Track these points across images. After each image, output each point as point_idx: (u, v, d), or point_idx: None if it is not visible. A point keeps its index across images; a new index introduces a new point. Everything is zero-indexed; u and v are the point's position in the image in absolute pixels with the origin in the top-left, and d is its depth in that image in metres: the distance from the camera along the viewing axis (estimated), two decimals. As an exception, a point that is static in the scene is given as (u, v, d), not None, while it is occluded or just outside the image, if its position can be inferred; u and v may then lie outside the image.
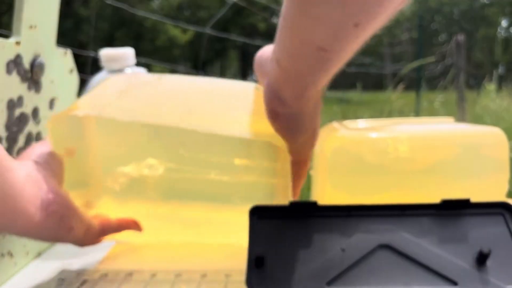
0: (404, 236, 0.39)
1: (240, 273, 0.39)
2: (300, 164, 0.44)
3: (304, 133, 0.41)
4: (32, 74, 0.51)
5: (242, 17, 10.49)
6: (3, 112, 0.47)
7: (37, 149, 0.43)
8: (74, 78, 0.62)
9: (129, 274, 0.45)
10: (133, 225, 0.49)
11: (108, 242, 0.51)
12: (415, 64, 5.01)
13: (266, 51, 0.43)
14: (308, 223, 0.41)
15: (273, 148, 0.42)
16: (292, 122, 0.39)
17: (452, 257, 0.38)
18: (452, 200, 0.41)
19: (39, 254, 0.55)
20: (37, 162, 0.41)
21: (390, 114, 4.43)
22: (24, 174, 0.38)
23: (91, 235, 0.45)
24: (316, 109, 0.41)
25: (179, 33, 9.39)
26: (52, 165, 0.42)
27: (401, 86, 5.17)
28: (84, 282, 0.44)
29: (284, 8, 0.34)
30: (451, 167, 0.51)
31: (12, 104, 0.48)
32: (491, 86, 4.67)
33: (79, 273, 0.47)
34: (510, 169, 0.52)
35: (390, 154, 0.51)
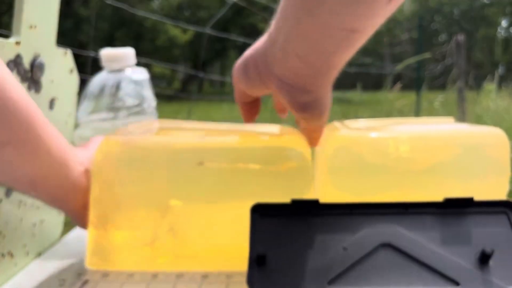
0: (406, 234, 0.39)
1: (242, 274, 0.39)
2: (318, 129, 0.45)
3: (327, 110, 0.42)
4: (32, 74, 0.51)
5: (242, 17, 10.49)
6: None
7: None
8: (74, 78, 0.62)
9: (130, 274, 0.45)
10: None
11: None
12: (411, 60, 5.01)
13: (256, 52, 0.42)
14: (310, 222, 0.41)
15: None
16: (319, 106, 0.41)
17: (455, 257, 0.38)
18: (455, 199, 0.41)
19: (39, 254, 0.55)
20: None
21: (390, 114, 4.43)
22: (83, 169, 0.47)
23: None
24: None
25: (179, 33, 9.39)
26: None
27: (398, 85, 5.16)
28: (85, 282, 0.44)
29: (294, 4, 0.34)
30: (452, 168, 0.51)
31: (12, 104, 0.48)
32: (491, 86, 4.67)
33: (80, 273, 0.46)
34: (511, 169, 0.52)
35: (391, 154, 0.50)
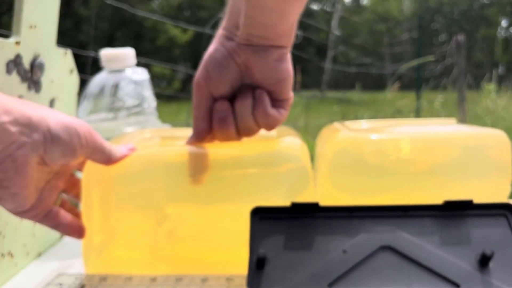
0: (406, 237, 0.39)
1: (242, 277, 0.39)
2: (290, 101, 0.48)
3: (291, 76, 0.47)
4: (32, 74, 0.51)
5: (242, 17, 10.42)
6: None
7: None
8: (74, 78, 0.62)
9: (129, 278, 0.45)
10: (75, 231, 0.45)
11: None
12: (414, 62, 5.02)
13: (216, 44, 0.46)
14: (309, 224, 0.41)
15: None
16: (288, 62, 0.46)
17: (455, 259, 0.38)
18: (455, 201, 0.41)
19: (39, 255, 0.55)
20: None
21: (390, 115, 4.43)
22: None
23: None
24: None
25: (179, 33, 9.38)
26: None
27: (396, 85, 5.16)
28: (82, 287, 0.44)
29: None
30: (453, 169, 0.51)
31: (12, 105, 0.48)
32: (491, 86, 4.67)
33: (77, 277, 0.46)
34: (512, 170, 0.52)
35: (391, 156, 0.50)
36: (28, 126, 0.37)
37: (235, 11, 0.45)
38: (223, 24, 0.47)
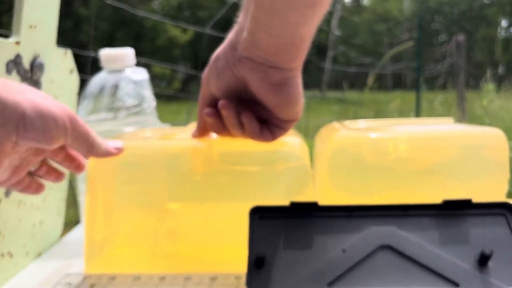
0: (405, 236, 0.39)
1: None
2: (293, 122, 0.45)
3: (302, 96, 0.43)
4: (32, 74, 0.51)
5: (242, 17, 10.42)
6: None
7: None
8: (74, 78, 0.62)
9: (137, 277, 0.45)
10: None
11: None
12: (392, 52, 5.05)
13: (225, 46, 0.43)
14: (308, 224, 0.41)
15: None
16: (292, 88, 0.41)
17: (454, 258, 0.38)
18: (454, 201, 0.41)
19: (39, 255, 0.55)
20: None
21: (389, 114, 4.43)
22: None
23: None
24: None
25: (179, 33, 9.38)
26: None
27: (371, 80, 5.16)
28: (91, 286, 0.44)
29: None
30: (451, 168, 0.51)
31: (12, 104, 0.48)
32: (490, 86, 4.66)
33: (86, 277, 0.46)
34: (510, 170, 0.52)
35: (390, 155, 0.51)
36: (1, 112, 0.36)
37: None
38: (235, 27, 0.43)
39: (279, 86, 0.41)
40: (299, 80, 0.42)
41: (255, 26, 0.38)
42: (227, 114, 0.43)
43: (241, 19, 0.41)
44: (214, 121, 0.45)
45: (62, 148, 0.44)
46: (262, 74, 0.40)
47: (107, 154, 0.44)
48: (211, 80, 0.44)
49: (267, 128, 0.44)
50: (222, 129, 0.45)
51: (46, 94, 0.41)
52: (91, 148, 0.42)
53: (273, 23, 0.37)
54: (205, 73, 0.45)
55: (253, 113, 0.43)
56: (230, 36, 0.43)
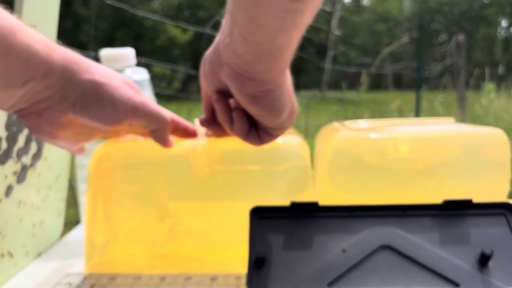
0: (405, 236, 0.39)
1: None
2: (281, 130, 0.43)
3: (287, 108, 0.41)
4: (32, 74, 0.51)
5: (242, 17, 10.40)
6: (3, 112, 0.46)
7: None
8: (74, 78, 0.62)
9: (138, 277, 0.45)
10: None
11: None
12: (388, 50, 5.05)
13: (211, 48, 0.42)
14: (309, 224, 0.41)
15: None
16: (272, 102, 0.39)
17: (454, 258, 0.38)
18: (454, 201, 0.41)
19: (39, 255, 0.55)
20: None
21: (389, 114, 4.43)
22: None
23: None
24: (290, 84, 0.41)
25: (179, 33, 9.39)
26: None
27: (365, 79, 5.16)
28: (92, 286, 0.44)
29: None
30: (452, 168, 0.51)
31: (12, 104, 0.48)
32: (490, 86, 4.67)
33: (86, 277, 0.46)
34: (511, 170, 0.52)
35: (390, 155, 0.51)
36: (63, 88, 0.39)
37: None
38: (220, 29, 0.40)
39: (255, 98, 0.39)
40: (280, 93, 0.39)
41: (233, 30, 0.36)
42: (218, 108, 0.43)
43: (224, 21, 0.39)
44: (209, 118, 0.45)
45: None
46: (239, 85, 0.38)
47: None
48: (202, 81, 0.44)
49: (256, 132, 0.43)
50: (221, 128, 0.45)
51: (116, 75, 0.42)
52: (164, 124, 0.45)
53: (251, 27, 0.34)
54: (200, 73, 0.45)
55: (245, 113, 0.42)
56: (217, 38, 0.41)
